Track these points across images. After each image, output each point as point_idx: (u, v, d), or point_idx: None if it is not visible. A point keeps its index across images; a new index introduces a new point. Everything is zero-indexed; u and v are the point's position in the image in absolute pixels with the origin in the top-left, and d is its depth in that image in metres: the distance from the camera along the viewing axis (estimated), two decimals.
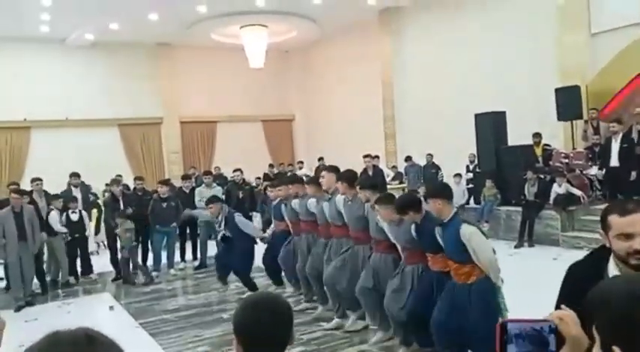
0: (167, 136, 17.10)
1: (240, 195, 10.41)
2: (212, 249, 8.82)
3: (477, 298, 3.85)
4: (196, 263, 9.40)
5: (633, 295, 1.10)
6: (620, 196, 8.41)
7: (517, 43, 11.81)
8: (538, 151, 10.38)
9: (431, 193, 4.09)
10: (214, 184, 9.75)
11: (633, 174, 8.22)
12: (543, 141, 10.43)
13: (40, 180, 8.75)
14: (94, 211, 10.42)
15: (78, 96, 15.27)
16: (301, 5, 13.77)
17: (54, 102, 14.91)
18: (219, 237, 7.14)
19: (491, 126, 10.66)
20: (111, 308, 7.15)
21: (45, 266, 8.39)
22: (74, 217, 8.60)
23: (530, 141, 10.38)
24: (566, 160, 9.99)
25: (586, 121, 10.34)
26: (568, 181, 9.24)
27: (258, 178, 13.89)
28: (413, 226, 4.35)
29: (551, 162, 10.17)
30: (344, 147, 15.79)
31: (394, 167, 14.14)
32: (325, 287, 5.65)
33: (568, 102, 10.16)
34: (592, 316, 1.14)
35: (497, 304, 3.90)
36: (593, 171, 9.62)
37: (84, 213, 8.94)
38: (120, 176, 11.49)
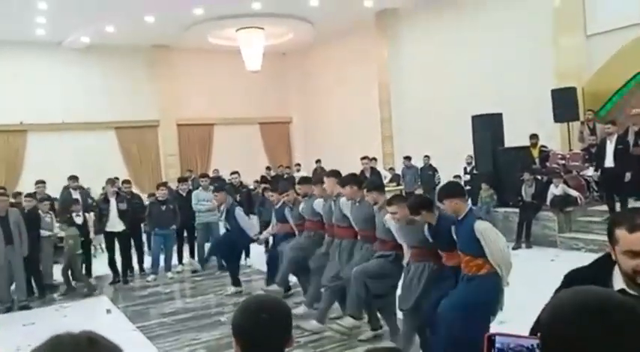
0: (164, 139, 17.04)
1: (238, 198, 10.40)
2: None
3: (473, 289, 3.94)
4: (196, 259, 9.37)
5: (585, 309, 1.05)
6: (616, 197, 8.45)
7: (514, 44, 11.84)
8: (535, 153, 10.39)
9: (447, 194, 4.17)
10: (211, 187, 9.72)
11: (628, 175, 8.23)
12: (540, 143, 10.45)
13: (44, 182, 8.73)
14: (92, 214, 10.35)
15: (74, 99, 15.22)
16: (298, 7, 13.75)
17: (50, 105, 14.86)
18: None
19: (487, 128, 10.67)
20: (108, 311, 7.13)
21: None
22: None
23: (527, 142, 10.41)
24: (563, 161, 10.03)
25: (582, 122, 10.37)
26: (565, 182, 9.26)
27: (256, 181, 13.85)
28: (426, 227, 4.41)
29: (547, 164, 10.19)
30: (341, 149, 15.81)
31: (391, 169, 14.14)
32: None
33: (564, 104, 10.20)
34: (545, 339, 1.08)
35: (491, 304, 3.96)
36: (590, 172, 9.64)
37: (87, 215, 8.86)
38: (117, 178, 11.38)
